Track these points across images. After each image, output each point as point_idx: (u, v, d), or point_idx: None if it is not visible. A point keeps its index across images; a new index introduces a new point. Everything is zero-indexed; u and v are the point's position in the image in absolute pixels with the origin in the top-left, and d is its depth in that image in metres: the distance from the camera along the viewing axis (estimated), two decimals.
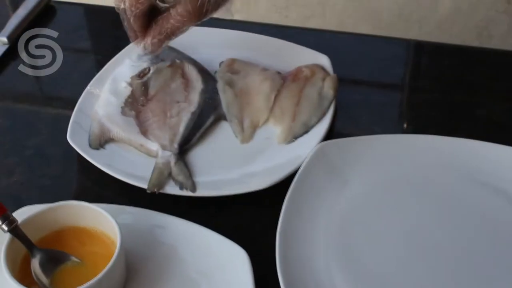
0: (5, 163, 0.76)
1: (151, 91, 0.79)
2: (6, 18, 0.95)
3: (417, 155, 0.73)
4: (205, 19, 0.68)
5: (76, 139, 0.75)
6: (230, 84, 0.81)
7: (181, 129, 0.76)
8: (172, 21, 0.68)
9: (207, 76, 0.82)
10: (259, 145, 0.76)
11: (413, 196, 0.70)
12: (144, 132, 0.75)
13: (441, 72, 0.88)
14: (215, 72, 0.83)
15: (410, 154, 0.73)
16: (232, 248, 0.63)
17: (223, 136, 0.77)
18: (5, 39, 0.92)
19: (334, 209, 0.68)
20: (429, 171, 0.71)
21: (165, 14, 0.69)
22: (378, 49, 0.91)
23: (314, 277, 0.62)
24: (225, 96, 0.80)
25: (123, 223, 0.60)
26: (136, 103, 0.78)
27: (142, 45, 0.71)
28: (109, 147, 0.75)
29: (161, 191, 0.70)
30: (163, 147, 0.74)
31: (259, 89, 0.80)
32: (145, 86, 0.80)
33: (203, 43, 0.86)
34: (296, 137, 0.76)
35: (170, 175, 0.71)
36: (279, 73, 0.82)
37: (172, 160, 0.72)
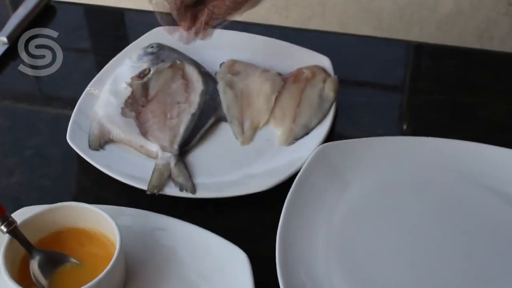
0: (4, 163, 0.76)
1: (151, 92, 0.79)
2: (6, 18, 0.95)
3: (418, 157, 0.72)
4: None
5: (76, 139, 0.75)
6: (230, 85, 0.81)
7: (181, 130, 0.75)
8: (225, 5, 0.68)
9: (208, 77, 0.82)
10: (260, 146, 0.76)
11: (414, 198, 0.70)
12: (144, 133, 0.75)
13: (442, 74, 0.88)
14: (216, 73, 0.83)
15: (411, 156, 0.72)
16: (232, 250, 0.63)
17: (224, 138, 0.77)
18: (5, 39, 0.92)
19: (334, 211, 0.68)
20: (430, 173, 0.71)
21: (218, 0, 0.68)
22: (379, 51, 0.91)
23: (314, 280, 0.62)
24: (225, 97, 0.80)
25: (122, 224, 0.60)
26: (136, 104, 0.78)
27: (193, 31, 0.71)
28: (109, 148, 0.75)
29: (161, 192, 0.70)
30: (163, 148, 0.74)
31: (260, 90, 0.80)
32: (145, 87, 0.79)
33: (203, 44, 0.85)
34: (296, 139, 0.75)
35: (170, 176, 0.71)
36: (279, 74, 0.82)
37: (172, 162, 0.72)
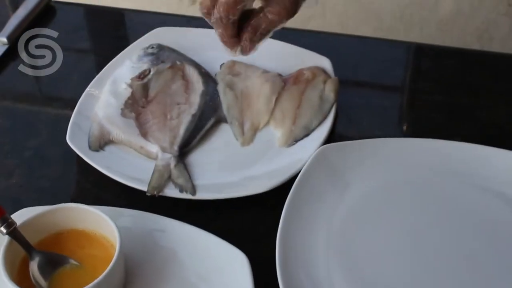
0: (4, 164, 0.76)
1: (151, 92, 0.79)
2: (6, 18, 0.95)
3: (418, 158, 0.72)
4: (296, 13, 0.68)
5: (76, 140, 0.75)
6: (230, 86, 0.81)
7: (181, 131, 0.75)
8: (268, 19, 0.67)
9: (208, 78, 0.82)
10: (260, 148, 0.76)
11: (414, 200, 0.70)
12: (144, 134, 0.75)
13: (441, 75, 0.88)
14: (216, 74, 0.83)
15: (411, 158, 0.72)
16: (231, 251, 0.62)
17: (224, 139, 0.77)
18: (5, 39, 0.92)
19: (335, 212, 0.68)
20: (430, 175, 0.71)
21: (260, 15, 0.68)
22: (379, 52, 0.90)
23: (314, 281, 0.62)
24: (225, 98, 0.80)
25: (122, 226, 0.60)
26: (136, 104, 0.78)
27: (239, 49, 0.71)
28: (109, 149, 0.75)
29: (160, 193, 0.70)
30: (163, 149, 0.73)
31: (260, 91, 0.79)
32: (145, 87, 0.79)
33: (203, 44, 0.86)
34: (297, 140, 0.75)
35: (170, 177, 0.71)
36: (280, 75, 0.82)
37: (172, 163, 0.72)
